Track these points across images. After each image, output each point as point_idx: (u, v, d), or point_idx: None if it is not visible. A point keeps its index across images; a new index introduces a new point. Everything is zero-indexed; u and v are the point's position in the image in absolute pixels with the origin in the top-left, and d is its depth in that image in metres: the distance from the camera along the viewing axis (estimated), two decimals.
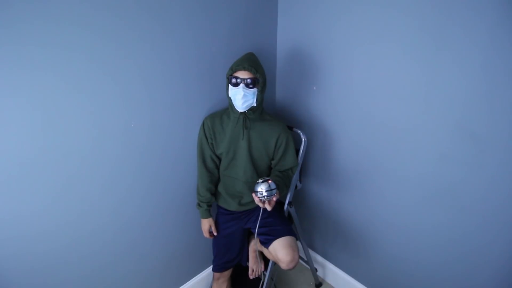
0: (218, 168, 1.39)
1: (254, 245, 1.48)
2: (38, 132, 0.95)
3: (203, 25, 1.23)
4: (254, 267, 1.53)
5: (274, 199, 1.14)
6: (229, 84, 1.17)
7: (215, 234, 1.42)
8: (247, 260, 1.53)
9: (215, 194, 1.42)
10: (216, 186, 1.42)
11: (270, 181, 1.12)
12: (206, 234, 1.43)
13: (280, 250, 1.24)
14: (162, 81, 1.18)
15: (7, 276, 1.02)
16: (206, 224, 1.41)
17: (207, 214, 1.40)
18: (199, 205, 1.39)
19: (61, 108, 0.97)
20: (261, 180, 1.12)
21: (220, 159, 1.37)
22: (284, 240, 1.27)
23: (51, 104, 0.95)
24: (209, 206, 1.40)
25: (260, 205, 1.14)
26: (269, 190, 1.11)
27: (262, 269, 1.54)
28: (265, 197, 1.11)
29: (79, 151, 1.05)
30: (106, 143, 1.11)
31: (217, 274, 1.46)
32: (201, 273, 1.70)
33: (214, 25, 1.26)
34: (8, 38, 0.83)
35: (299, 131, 1.43)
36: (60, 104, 0.97)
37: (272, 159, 1.34)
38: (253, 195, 1.13)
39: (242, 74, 1.14)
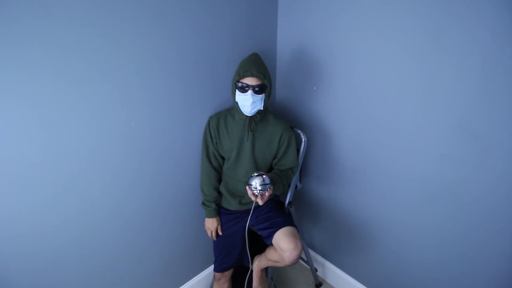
0: (221, 167, 1.39)
1: (257, 266, 1.47)
2: (38, 132, 0.95)
3: (203, 25, 1.23)
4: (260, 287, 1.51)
5: (267, 194, 1.13)
6: (236, 89, 1.17)
7: (220, 233, 1.42)
8: (249, 260, 1.53)
9: (219, 193, 1.42)
10: (219, 184, 1.42)
11: (264, 176, 1.12)
12: (213, 234, 1.42)
13: (282, 238, 1.23)
14: (162, 81, 1.18)
15: (7, 276, 1.02)
16: (215, 222, 1.40)
17: (215, 213, 1.39)
18: (204, 204, 1.39)
19: (61, 108, 0.97)
20: (255, 174, 1.12)
21: (223, 159, 1.37)
22: (285, 229, 1.27)
23: (51, 104, 0.95)
24: (217, 205, 1.40)
25: (253, 198, 1.14)
26: (263, 184, 1.10)
27: (267, 287, 1.53)
28: (258, 191, 1.11)
29: (79, 151, 1.05)
30: (106, 143, 1.10)
31: (218, 274, 1.46)
32: (201, 273, 1.70)
33: (214, 25, 1.26)
34: (7, 37, 0.82)
35: (299, 131, 1.43)
36: (60, 104, 0.96)
37: (275, 157, 1.34)
38: (247, 187, 1.13)
39: (250, 81, 1.14)
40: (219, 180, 1.41)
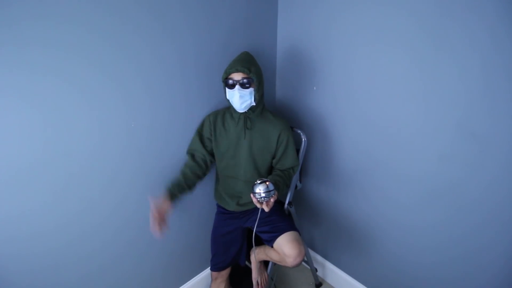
0: (206, 164, 1.33)
1: (255, 257, 1.47)
2: (38, 132, 0.95)
3: (202, 25, 1.23)
4: (258, 279, 1.50)
5: (272, 200, 1.13)
6: (226, 87, 1.19)
7: (156, 215, 1.13)
8: (246, 259, 1.52)
9: (191, 185, 1.28)
10: (196, 178, 1.30)
11: (268, 183, 1.11)
12: (155, 215, 1.13)
13: (286, 244, 1.23)
14: (161, 81, 1.18)
15: (6, 277, 1.02)
16: (159, 202, 1.16)
17: (166, 194, 1.19)
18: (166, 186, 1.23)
19: (61, 109, 0.97)
20: (259, 181, 1.12)
21: (212, 156, 1.33)
22: (289, 235, 1.27)
23: (51, 104, 0.95)
24: (173, 191, 1.21)
25: (258, 205, 1.14)
26: (267, 191, 1.10)
27: (267, 277, 1.53)
28: (263, 198, 1.11)
29: (79, 151, 1.05)
30: (106, 143, 1.11)
31: (214, 273, 1.45)
32: (201, 273, 1.70)
33: (213, 25, 1.26)
34: (8, 38, 0.82)
35: (299, 131, 1.43)
36: (60, 105, 0.97)
37: (274, 157, 1.34)
38: (251, 195, 1.13)
39: (236, 76, 1.16)
40: (194, 171, 1.29)
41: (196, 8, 1.18)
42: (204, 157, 1.32)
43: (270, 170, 1.39)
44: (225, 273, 1.48)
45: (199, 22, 1.21)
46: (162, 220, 1.16)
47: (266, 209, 1.14)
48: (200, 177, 1.32)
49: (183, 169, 1.29)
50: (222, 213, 1.43)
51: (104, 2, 0.96)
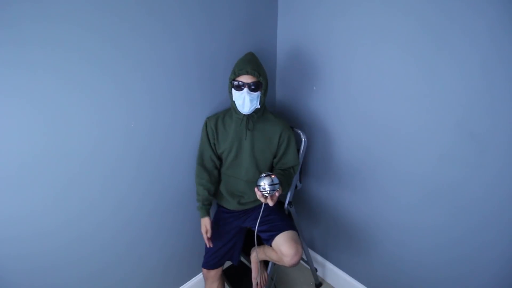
0: (217, 168, 1.39)
1: (255, 257, 1.46)
2: (38, 132, 0.95)
3: (203, 25, 1.23)
4: (258, 279, 1.49)
5: (277, 194, 1.12)
6: (232, 88, 1.18)
7: (208, 235, 1.34)
8: (239, 258, 1.51)
9: (215, 194, 1.41)
10: (215, 185, 1.41)
11: (273, 176, 1.09)
12: (205, 235, 1.35)
13: (283, 244, 1.23)
14: (162, 81, 1.18)
15: (6, 277, 1.02)
16: (203, 223, 1.34)
17: (204, 213, 1.34)
18: (199, 205, 1.37)
19: (61, 108, 0.97)
20: (264, 175, 1.10)
21: (220, 160, 1.37)
22: (287, 234, 1.26)
23: (52, 104, 0.95)
24: (207, 205, 1.36)
25: (262, 200, 1.12)
26: (271, 184, 1.08)
27: (266, 277, 1.53)
28: (268, 192, 1.08)
29: (79, 151, 1.05)
30: (106, 143, 1.11)
31: (205, 271, 1.42)
32: (200, 274, 1.69)
33: (214, 25, 1.26)
34: (8, 38, 0.82)
35: (299, 131, 1.43)
36: (60, 104, 0.97)
37: (275, 156, 1.34)
38: (256, 189, 1.11)
39: (246, 79, 1.15)
40: (213, 182, 1.38)
41: (196, 9, 1.18)
42: (214, 161, 1.35)
43: (271, 170, 1.39)
44: (215, 273, 1.43)
45: (200, 23, 1.21)
46: (209, 233, 1.33)
47: (271, 204, 1.12)
48: (217, 182, 1.41)
49: (203, 182, 1.34)
50: (223, 212, 1.43)
51: (105, 2, 0.96)
